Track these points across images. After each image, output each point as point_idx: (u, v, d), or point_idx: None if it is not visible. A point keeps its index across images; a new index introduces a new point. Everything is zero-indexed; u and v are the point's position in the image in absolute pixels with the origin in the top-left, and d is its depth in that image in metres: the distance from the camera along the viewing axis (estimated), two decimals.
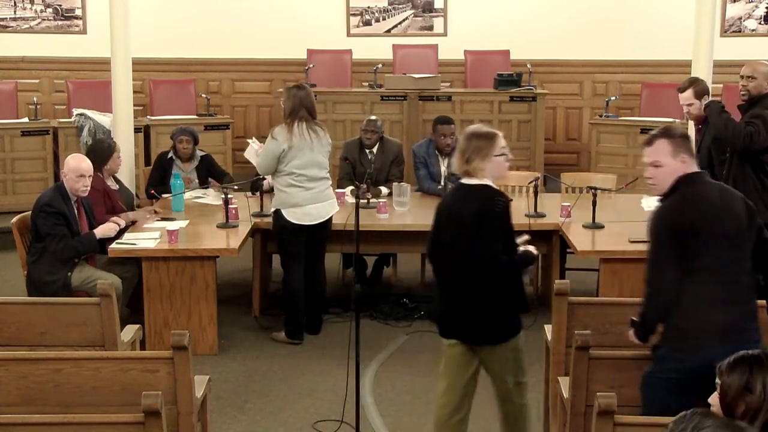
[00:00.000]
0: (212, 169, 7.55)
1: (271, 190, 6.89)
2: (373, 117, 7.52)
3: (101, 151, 6.67)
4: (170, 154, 7.44)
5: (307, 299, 6.36)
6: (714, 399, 2.86)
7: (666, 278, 3.70)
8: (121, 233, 6.18)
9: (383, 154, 7.34)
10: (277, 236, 6.29)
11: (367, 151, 7.33)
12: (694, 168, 3.81)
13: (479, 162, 4.15)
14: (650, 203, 6.50)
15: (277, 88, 10.29)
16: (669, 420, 2.42)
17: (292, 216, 6.09)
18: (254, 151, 6.46)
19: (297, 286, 6.26)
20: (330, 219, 6.28)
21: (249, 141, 6.62)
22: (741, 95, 6.01)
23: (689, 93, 6.08)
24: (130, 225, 6.39)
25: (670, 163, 3.76)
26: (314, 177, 6.12)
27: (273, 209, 6.21)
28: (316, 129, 6.12)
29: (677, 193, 3.76)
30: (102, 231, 6.00)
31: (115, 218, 6.21)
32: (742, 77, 5.99)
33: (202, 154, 7.56)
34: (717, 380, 2.80)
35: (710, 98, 6.17)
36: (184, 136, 7.39)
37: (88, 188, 5.96)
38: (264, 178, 6.77)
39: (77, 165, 5.91)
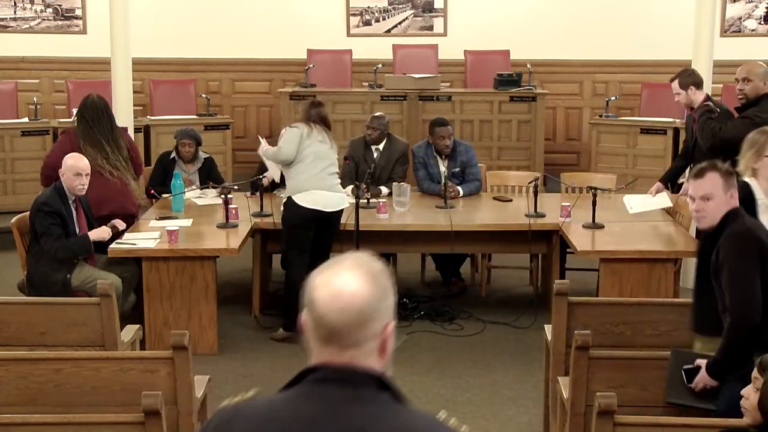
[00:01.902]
0: (212, 173, 7.51)
1: (272, 189, 6.92)
2: (378, 113, 7.53)
3: (96, 107, 6.59)
4: (173, 155, 7.43)
5: None
6: (748, 391, 2.85)
7: (757, 298, 3.63)
8: (120, 234, 6.18)
9: (389, 152, 7.34)
10: (286, 225, 6.26)
11: (373, 148, 7.33)
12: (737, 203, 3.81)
13: (751, 160, 4.22)
14: (633, 203, 6.51)
15: (277, 88, 10.32)
16: (668, 420, 2.43)
17: (304, 200, 6.11)
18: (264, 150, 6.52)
19: (299, 282, 6.25)
20: (340, 215, 6.29)
21: (261, 140, 6.67)
22: (738, 98, 5.96)
23: (675, 84, 6.32)
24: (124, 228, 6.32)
25: (721, 197, 3.75)
26: (327, 167, 6.20)
27: (285, 199, 6.27)
28: (329, 134, 6.28)
29: (738, 223, 3.74)
30: (96, 234, 6.00)
31: (114, 221, 6.20)
32: (737, 80, 5.91)
33: (206, 156, 7.54)
34: (755, 374, 2.81)
35: (704, 92, 6.27)
36: (186, 140, 7.36)
37: (85, 187, 5.93)
38: (264, 178, 6.78)
39: (74, 163, 5.90)
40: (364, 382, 1.82)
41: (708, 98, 6.42)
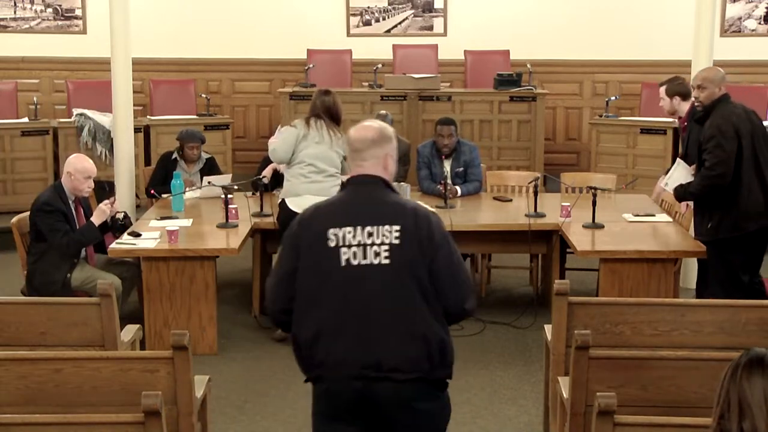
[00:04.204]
0: (212, 171, 7.50)
1: (272, 189, 6.92)
2: (383, 111, 7.55)
3: None
4: (174, 155, 7.40)
5: None
6: None
7: None
8: (122, 229, 6.16)
9: None
10: (281, 226, 6.27)
11: None
12: None
13: None
14: (630, 217, 6.52)
15: (277, 88, 10.32)
16: (667, 420, 2.43)
17: (294, 204, 6.12)
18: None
19: None
20: None
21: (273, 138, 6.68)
22: (696, 107, 5.89)
23: (662, 89, 6.39)
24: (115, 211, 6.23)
25: None
26: (323, 170, 6.18)
27: (279, 200, 6.29)
28: (335, 131, 6.25)
29: None
30: (98, 217, 5.99)
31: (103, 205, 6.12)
32: (693, 87, 5.84)
33: (207, 156, 7.53)
34: None
35: (690, 102, 6.22)
36: (193, 143, 7.31)
37: (91, 189, 6.00)
38: (264, 177, 6.79)
39: (84, 166, 5.93)
40: (376, 182, 3.33)
41: (693, 108, 6.38)
